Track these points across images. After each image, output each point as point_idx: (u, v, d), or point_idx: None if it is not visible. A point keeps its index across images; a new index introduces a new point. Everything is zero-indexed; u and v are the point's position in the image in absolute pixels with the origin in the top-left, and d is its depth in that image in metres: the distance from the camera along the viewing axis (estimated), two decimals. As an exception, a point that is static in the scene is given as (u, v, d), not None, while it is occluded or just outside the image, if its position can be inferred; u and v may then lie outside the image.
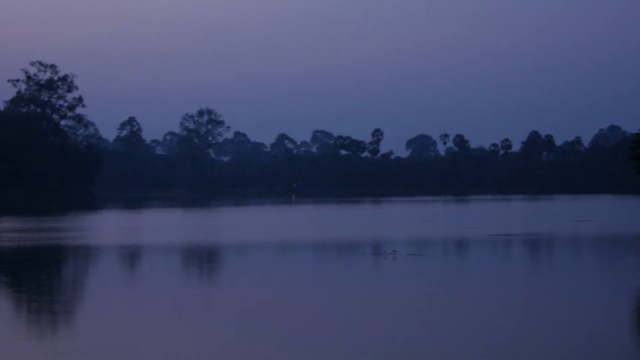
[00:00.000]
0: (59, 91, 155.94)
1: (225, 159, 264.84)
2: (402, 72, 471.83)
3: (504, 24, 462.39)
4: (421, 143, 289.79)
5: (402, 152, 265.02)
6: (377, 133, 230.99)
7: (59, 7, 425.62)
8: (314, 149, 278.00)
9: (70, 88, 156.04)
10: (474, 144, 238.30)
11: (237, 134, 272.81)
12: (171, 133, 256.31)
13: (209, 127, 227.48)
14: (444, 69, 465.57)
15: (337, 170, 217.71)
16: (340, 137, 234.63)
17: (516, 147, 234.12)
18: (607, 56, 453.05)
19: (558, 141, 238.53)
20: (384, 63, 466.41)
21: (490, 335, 19.83)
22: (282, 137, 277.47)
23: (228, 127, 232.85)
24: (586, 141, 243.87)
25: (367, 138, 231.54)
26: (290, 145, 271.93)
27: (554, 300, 25.77)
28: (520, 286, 29.66)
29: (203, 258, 41.93)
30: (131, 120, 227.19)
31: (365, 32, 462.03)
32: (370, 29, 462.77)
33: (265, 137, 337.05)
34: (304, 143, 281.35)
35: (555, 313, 22.95)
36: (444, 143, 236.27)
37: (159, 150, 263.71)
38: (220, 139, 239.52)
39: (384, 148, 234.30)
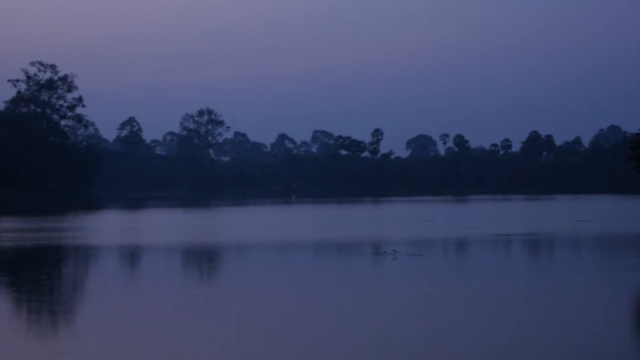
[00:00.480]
0: (59, 91, 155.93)
1: (225, 159, 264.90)
2: (402, 72, 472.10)
3: (504, 24, 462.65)
4: (421, 143, 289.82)
5: (402, 152, 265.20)
6: (377, 133, 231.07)
7: (59, 7, 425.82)
8: (314, 149, 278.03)
9: (70, 88, 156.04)
10: (474, 144, 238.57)
11: (237, 134, 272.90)
12: (171, 133, 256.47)
13: (209, 127, 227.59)
14: (444, 69, 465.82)
15: (337, 170, 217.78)
16: (340, 137, 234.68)
17: (516, 147, 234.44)
18: (607, 56, 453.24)
19: (558, 141, 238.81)
20: (384, 63, 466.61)
21: (490, 335, 19.84)
22: (282, 137, 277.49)
23: (228, 127, 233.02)
24: (586, 141, 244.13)
25: (367, 138, 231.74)
26: (290, 145, 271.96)
27: (554, 300, 25.78)
28: (520, 286, 29.67)
29: (203, 258, 41.94)
30: (131, 120, 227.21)
31: (365, 32, 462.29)
32: (370, 29, 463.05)
33: (265, 137, 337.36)
34: (304, 143, 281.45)
35: (555, 313, 22.96)
36: (444, 143, 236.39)
37: (159, 150, 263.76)
38: (220, 139, 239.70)
39: (384, 148, 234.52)
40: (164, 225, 72.56)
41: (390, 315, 22.81)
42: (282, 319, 22.36)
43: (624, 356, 17.55)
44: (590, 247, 47.73)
